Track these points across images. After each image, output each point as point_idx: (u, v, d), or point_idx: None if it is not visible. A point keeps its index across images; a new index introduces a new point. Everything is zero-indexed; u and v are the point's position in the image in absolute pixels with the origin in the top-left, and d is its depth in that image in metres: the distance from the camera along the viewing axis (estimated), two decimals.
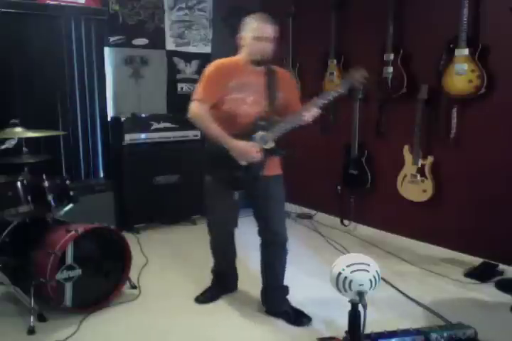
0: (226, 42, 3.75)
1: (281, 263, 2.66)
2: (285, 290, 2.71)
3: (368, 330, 2.01)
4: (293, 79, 2.58)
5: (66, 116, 4.11)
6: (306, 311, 2.65)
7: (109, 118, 4.34)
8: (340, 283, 1.86)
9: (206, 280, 2.96)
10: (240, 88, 2.42)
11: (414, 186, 3.61)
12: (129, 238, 3.22)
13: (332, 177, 4.24)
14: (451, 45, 3.20)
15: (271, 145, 2.43)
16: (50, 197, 2.71)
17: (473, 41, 3.14)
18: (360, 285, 1.84)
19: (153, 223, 4.31)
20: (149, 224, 4.28)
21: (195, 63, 4.82)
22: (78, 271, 2.61)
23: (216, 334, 2.51)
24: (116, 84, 4.41)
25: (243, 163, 2.39)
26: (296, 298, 2.75)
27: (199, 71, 4.05)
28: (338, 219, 4.29)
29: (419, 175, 3.57)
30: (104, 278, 2.75)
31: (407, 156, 3.62)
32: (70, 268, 2.58)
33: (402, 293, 2.96)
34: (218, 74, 2.43)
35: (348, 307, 1.94)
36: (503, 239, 3.16)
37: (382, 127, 3.90)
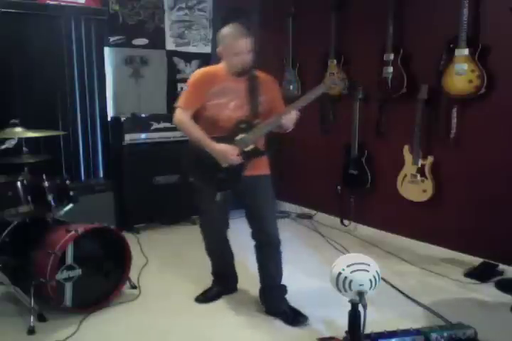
0: None
1: (277, 264, 2.67)
2: (283, 289, 2.71)
3: (368, 330, 2.01)
4: (275, 82, 2.65)
5: (66, 116, 4.12)
6: (306, 311, 2.65)
7: (109, 118, 4.35)
8: (340, 283, 1.86)
9: (206, 280, 2.96)
10: (221, 94, 2.49)
11: (414, 186, 3.61)
12: (129, 238, 3.22)
13: (332, 177, 4.24)
14: (451, 45, 3.20)
15: (251, 146, 2.48)
16: (50, 197, 2.71)
17: (473, 41, 3.14)
18: (360, 285, 1.85)
19: (153, 223, 4.31)
20: (149, 224, 4.28)
21: (195, 63, 4.83)
22: (78, 271, 2.61)
23: (216, 334, 2.51)
24: (116, 84, 4.41)
25: (224, 165, 2.45)
26: (296, 298, 2.74)
27: None
28: (338, 219, 4.29)
29: (419, 175, 3.57)
30: (104, 278, 2.75)
31: (407, 156, 3.62)
32: (70, 268, 2.59)
33: (402, 293, 2.96)
34: (201, 81, 2.50)
35: (348, 307, 1.95)
36: (503, 239, 3.16)
37: (382, 127, 3.90)
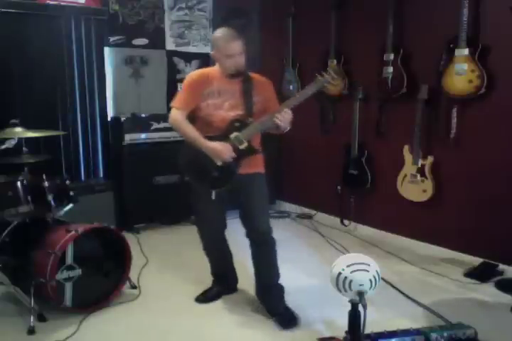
0: None
1: (272, 262, 2.68)
2: (280, 288, 2.71)
3: (368, 330, 2.01)
4: (270, 83, 2.67)
5: (66, 116, 4.11)
6: (305, 311, 2.65)
7: (109, 118, 4.35)
8: (340, 283, 1.86)
9: (206, 280, 2.96)
10: (216, 94, 2.52)
11: (414, 186, 3.61)
12: (129, 238, 3.22)
13: (332, 177, 4.24)
14: (451, 45, 3.20)
15: (245, 144, 2.49)
16: (50, 197, 2.71)
17: (473, 41, 3.14)
18: (360, 285, 1.85)
19: (153, 223, 4.31)
20: (149, 224, 4.28)
21: (195, 63, 4.82)
22: (78, 271, 2.61)
23: (216, 334, 2.51)
24: (116, 84, 4.41)
25: (219, 163, 2.47)
26: (296, 297, 2.75)
27: None
28: (338, 219, 4.29)
29: (419, 175, 3.57)
30: (104, 278, 2.75)
31: (407, 156, 3.62)
32: (70, 268, 2.59)
33: (402, 293, 2.96)
34: (196, 82, 2.54)
35: (348, 307, 1.95)
36: (503, 239, 3.16)
37: (382, 127, 3.90)
